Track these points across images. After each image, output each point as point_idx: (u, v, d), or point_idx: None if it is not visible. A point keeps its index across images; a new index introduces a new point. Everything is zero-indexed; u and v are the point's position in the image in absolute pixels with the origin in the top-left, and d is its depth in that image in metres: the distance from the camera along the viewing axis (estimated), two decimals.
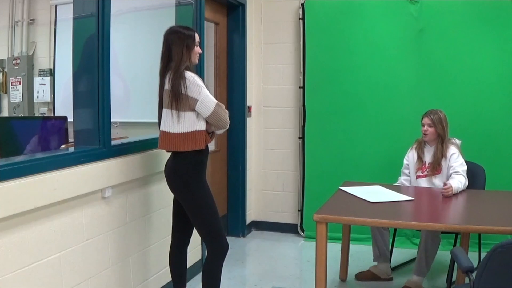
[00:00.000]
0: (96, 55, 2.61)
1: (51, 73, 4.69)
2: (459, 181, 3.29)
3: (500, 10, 4.13)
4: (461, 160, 3.46)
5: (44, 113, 4.72)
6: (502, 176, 4.04)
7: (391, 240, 3.84)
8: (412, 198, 3.02)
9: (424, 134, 3.58)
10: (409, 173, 3.71)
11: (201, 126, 2.63)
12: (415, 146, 3.69)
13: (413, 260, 4.02)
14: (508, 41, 4.11)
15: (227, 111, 2.68)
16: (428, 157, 3.59)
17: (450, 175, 3.41)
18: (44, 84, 4.70)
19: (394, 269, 3.83)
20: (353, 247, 3.78)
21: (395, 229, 3.84)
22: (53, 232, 2.27)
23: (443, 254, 4.01)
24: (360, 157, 4.49)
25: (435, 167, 3.52)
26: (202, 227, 2.73)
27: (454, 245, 3.61)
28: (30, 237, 2.14)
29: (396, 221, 2.79)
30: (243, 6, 4.59)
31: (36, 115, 4.74)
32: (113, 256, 2.71)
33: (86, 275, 2.49)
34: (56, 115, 4.58)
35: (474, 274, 2.06)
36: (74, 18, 2.66)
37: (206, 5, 3.78)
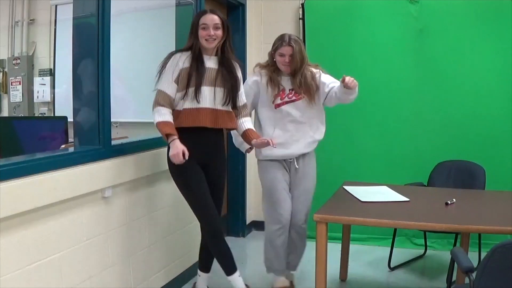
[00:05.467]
0: (96, 55, 2.61)
1: (51, 73, 4.70)
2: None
3: (500, 10, 4.12)
4: (329, 76, 3.33)
5: (44, 113, 4.73)
6: (502, 176, 4.03)
7: (391, 240, 3.84)
8: (407, 199, 3.02)
9: (286, 65, 3.20)
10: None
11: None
12: (263, 72, 3.30)
13: (413, 260, 4.04)
14: (508, 41, 4.11)
15: None
16: (287, 85, 3.27)
17: (332, 88, 3.23)
18: (44, 84, 4.71)
19: (394, 269, 3.83)
20: (353, 247, 3.77)
21: (395, 229, 3.84)
22: (53, 232, 2.27)
23: (443, 254, 4.01)
24: (360, 157, 4.48)
25: (304, 91, 3.24)
26: (191, 207, 2.84)
27: (454, 245, 3.61)
28: (30, 237, 2.14)
29: (396, 221, 2.79)
30: (243, 6, 4.59)
31: (36, 115, 4.74)
32: (113, 256, 2.71)
33: (86, 275, 2.49)
34: (56, 115, 4.59)
35: (474, 274, 2.06)
36: (74, 18, 2.66)
37: (206, 5, 3.78)
